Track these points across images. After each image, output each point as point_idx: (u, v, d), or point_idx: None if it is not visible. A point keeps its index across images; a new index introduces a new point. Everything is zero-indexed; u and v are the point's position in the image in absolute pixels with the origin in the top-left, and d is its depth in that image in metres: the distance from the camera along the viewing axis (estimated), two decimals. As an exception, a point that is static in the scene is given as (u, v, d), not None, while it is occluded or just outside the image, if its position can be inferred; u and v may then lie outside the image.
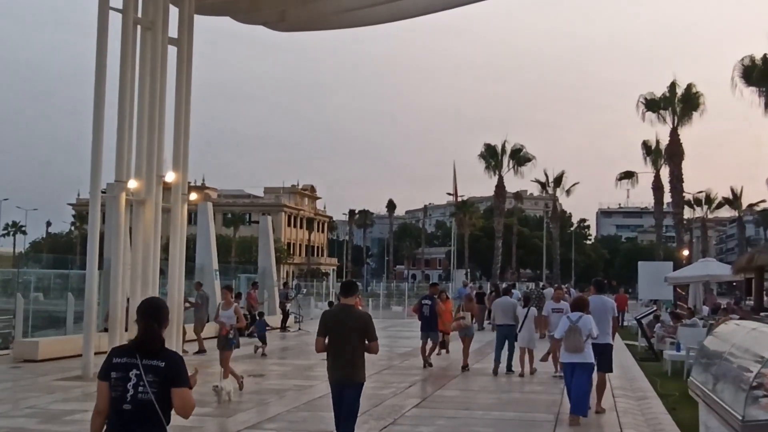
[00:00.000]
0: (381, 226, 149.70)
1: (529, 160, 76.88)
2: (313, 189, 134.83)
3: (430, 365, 20.00)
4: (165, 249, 20.81)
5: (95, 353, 17.41)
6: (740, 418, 7.79)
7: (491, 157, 76.50)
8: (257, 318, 29.93)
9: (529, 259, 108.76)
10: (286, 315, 33.43)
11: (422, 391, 15.98)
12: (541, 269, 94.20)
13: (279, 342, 28.15)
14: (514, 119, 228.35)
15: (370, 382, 17.13)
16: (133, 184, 18.83)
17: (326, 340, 9.09)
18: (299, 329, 32.09)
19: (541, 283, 44.61)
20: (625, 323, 34.09)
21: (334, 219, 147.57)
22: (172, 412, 5.08)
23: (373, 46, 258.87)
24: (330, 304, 27.51)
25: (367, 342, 8.98)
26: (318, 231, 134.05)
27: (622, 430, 12.11)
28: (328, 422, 12.52)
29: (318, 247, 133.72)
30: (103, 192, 19.36)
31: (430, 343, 20.55)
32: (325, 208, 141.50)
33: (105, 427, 5.11)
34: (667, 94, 59.79)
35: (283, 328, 32.71)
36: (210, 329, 23.23)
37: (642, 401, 15.18)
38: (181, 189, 20.34)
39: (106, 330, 19.05)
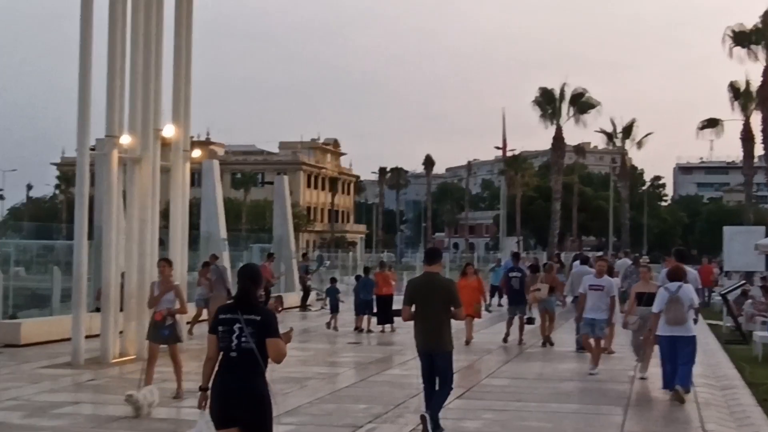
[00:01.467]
0: (417, 187, 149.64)
1: (593, 106, 76.14)
2: (336, 144, 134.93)
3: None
4: (165, 215, 20.96)
5: (86, 336, 17.69)
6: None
7: (548, 103, 75.86)
8: (270, 295, 30.27)
9: (593, 225, 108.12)
10: (306, 292, 33.71)
11: (467, 380, 16.04)
12: (607, 236, 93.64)
13: (299, 322, 28.41)
14: (575, 58, 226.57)
15: (404, 370, 17.39)
16: (126, 139, 18.94)
17: (413, 309, 11.06)
18: (322, 308, 32.18)
19: (619, 253, 44.41)
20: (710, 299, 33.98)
21: (362, 179, 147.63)
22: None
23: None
24: (357, 278, 27.68)
25: (452, 309, 11.01)
26: (343, 193, 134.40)
27: (704, 425, 12.12)
28: (355, 415, 12.70)
29: (343, 212, 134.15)
30: (91, 149, 19.50)
31: (517, 321, 22.12)
32: (351, 165, 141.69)
33: (215, 371, 7.36)
34: (760, 26, 58.81)
35: (304, 306, 33.00)
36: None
37: (727, 391, 15.20)
38: (182, 145, 20.43)
39: (98, 310, 19.32)
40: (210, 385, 7.42)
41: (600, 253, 40.11)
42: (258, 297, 7.49)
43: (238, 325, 7.25)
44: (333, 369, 17.39)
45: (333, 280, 28.26)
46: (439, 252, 12.05)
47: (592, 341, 16.70)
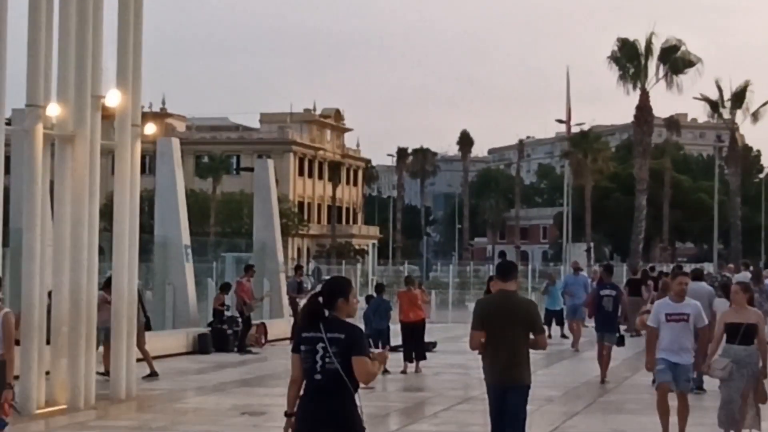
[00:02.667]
0: (449, 175, 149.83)
1: (691, 64, 76.06)
2: (339, 116, 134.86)
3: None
4: (106, 214, 20.93)
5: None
6: None
7: (629, 60, 75.86)
8: (250, 323, 30.37)
9: (691, 226, 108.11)
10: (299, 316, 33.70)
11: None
12: (711, 242, 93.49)
13: (289, 360, 28.44)
14: (665, 1, 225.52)
15: (435, 425, 17.40)
16: (54, 109, 18.96)
17: (483, 336, 11.62)
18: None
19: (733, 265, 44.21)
20: None
21: (374, 164, 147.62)
22: None
23: None
24: (368, 299, 27.64)
25: (532, 335, 11.53)
26: (348, 183, 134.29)
27: None
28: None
29: (348, 210, 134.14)
30: (7, 123, 19.55)
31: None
32: (358, 146, 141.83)
33: (301, 394, 8.39)
34: None
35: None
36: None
37: None
38: (130, 118, 20.44)
39: (16, 343, 19.36)
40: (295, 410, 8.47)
41: (695, 266, 39.16)
42: (336, 313, 8.44)
43: (321, 345, 8.20)
44: None
45: (368, 317, 27.47)
46: (515, 266, 13.28)
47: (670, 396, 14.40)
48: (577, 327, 31.42)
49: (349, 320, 8.44)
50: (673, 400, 14.45)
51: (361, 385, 8.23)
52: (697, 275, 22.43)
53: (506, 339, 11.47)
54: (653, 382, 16.06)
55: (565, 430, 17.37)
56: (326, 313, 8.41)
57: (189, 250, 31.45)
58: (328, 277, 51.72)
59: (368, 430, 16.51)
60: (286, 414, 8.48)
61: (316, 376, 8.22)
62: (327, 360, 8.15)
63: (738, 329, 13.67)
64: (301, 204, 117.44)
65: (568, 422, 18.07)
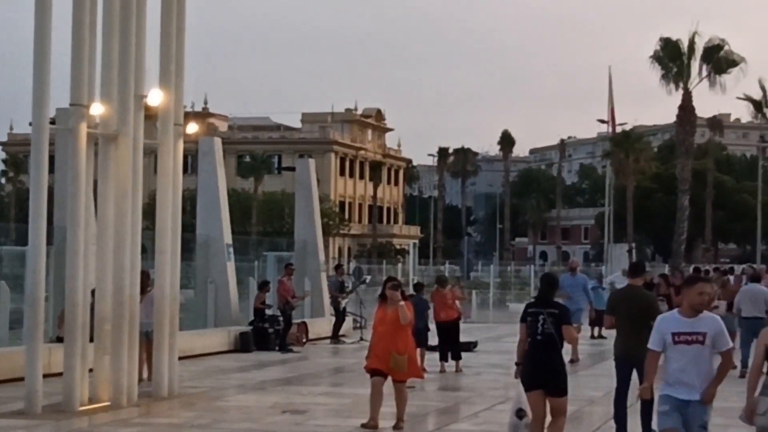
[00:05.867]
0: (490, 175, 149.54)
1: (734, 63, 75.63)
2: (380, 115, 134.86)
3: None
4: (149, 213, 20.98)
5: (44, 375, 17.72)
6: None
7: (671, 59, 75.49)
8: (291, 321, 30.28)
9: (734, 227, 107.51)
10: (340, 317, 33.68)
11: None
12: (754, 244, 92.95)
13: (330, 359, 28.50)
14: (709, 0, 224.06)
15: (475, 424, 17.37)
16: (98, 109, 19.01)
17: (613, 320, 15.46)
18: (361, 339, 32.02)
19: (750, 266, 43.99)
20: None
21: (415, 164, 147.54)
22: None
23: None
24: (407, 298, 27.54)
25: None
26: (389, 183, 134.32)
27: None
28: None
29: (389, 209, 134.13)
30: (51, 123, 19.64)
31: None
32: (399, 145, 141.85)
33: (526, 351, 12.87)
34: None
35: (336, 337, 33.01)
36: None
37: None
38: (173, 117, 20.48)
39: (59, 339, 19.46)
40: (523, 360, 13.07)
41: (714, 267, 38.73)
42: (551, 296, 13.55)
43: (542, 317, 12.75)
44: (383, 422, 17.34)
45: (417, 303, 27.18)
46: (643, 265, 18.21)
47: None
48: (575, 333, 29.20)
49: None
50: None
51: None
52: (755, 277, 22.06)
53: (631, 323, 14.78)
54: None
55: (606, 431, 17.30)
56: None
57: (231, 249, 31.48)
58: (368, 277, 51.90)
59: (408, 429, 16.64)
60: (517, 363, 13.25)
61: (537, 337, 12.71)
62: (546, 327, 12.67)
63: None
64: (342, 203, 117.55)
65: (609, 422, 18.00)
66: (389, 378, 15.68)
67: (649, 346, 10.43)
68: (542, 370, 12.70)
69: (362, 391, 20.63)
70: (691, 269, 42.84)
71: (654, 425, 12.22)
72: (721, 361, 10.17)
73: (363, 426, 15.71)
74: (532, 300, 14.00)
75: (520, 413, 14.98)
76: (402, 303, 15.80)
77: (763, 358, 10.10)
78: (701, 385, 10.03)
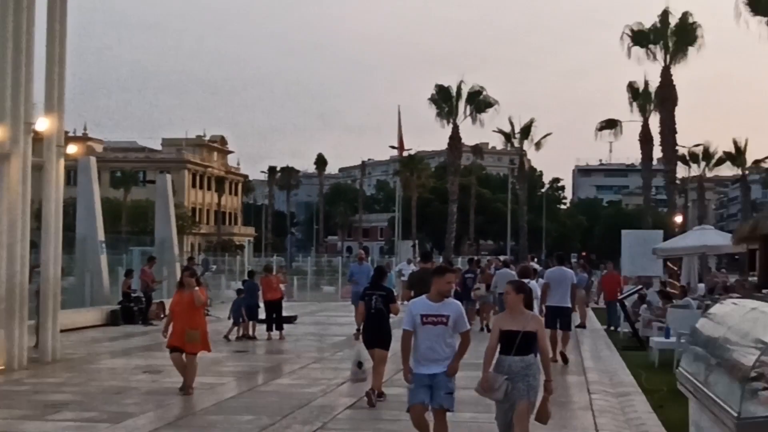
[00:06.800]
0: (309, 188, 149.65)
1: (490, 105, 77.34)
2: (223, 141, 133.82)
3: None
4: (37, 216, 20.57)
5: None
6: (735, 414, 8.04)
7: (444, 101, 76.79)
8: (151, 301, 29.90)
9: (491, 228, 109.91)
10: (191, 297, 33.39)
11: (357, 389, 16.06)
12: (505, 240, 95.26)
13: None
14: (472, 56, 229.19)
15: (294, 379, 17.34)
16: (-5, 134, 18.51)
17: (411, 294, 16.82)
18: (207, 313, 31.75)
19: (502, 258, 45.03)
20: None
21: (251, 178, 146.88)
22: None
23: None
24: (243, 282, 27.50)
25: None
26: (230, 193, 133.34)
27: (599, 431, 12.43)
28: (240, 427, 12.61)
29: (231, 214, 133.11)
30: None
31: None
32: (239, 164, 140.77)
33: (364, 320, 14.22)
34: (659, 25, 60.48)
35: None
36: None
37: (623, 398, 15.52)
38: (56, 140, 20.07)
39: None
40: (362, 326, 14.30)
41: (505, 257, 39.78)
42: (381, 281, 14.93)
43: (375, 297, 14.13)
44: (218, 379, 17.18)
45: (239, 292, 26.74)
46: (431, 253, 21.51)
47: (429, 416, 9.80)
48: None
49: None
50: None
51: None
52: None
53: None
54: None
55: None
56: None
57: (103, 245, 31.42)
58: (214, 266, 51.44)
59: (240, 385, 16.42)
60: (358, 329, 14.46)
61: (372, 311, 14.02)
62: (377, 303, 14.04)
63: (515, 337, 9.36)
64: (194, 209, 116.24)
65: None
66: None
67: (403, 326, 9.77)
68: (376, 333, 14.03)
69: (208, 356, 20.36)
70: (464, 260, 43.87)
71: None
72: (461, 340, 9.68)
73: (181, 391, 15.12)
74: (368, 285, 14.93)
75: (360, 364, 15.35)
76: (196, 288, 15.14)
77: (497, 340, 9.46)
78: (445, 359, 9.53)
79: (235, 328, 24.99)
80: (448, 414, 9.70)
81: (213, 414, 13.69)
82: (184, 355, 15.17)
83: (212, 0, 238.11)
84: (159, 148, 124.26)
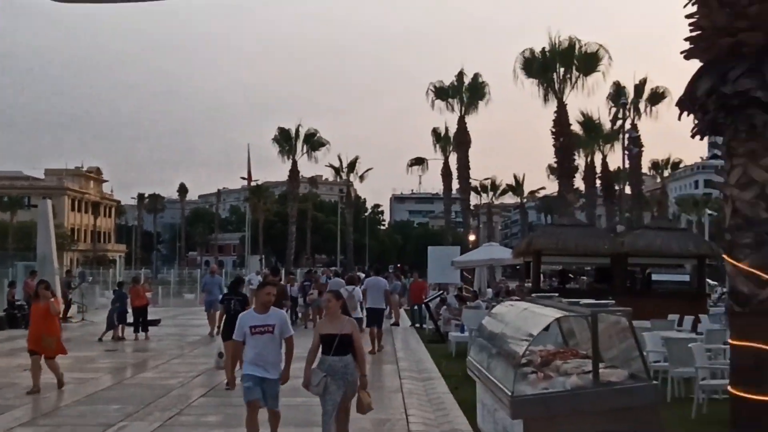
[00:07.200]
0: (172, 211, 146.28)
1: (323, 144, 77.61)
2: (99, 171, 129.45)
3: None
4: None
5: None
6: (509, 393, 8.31)
7: (285, 141, 76.57)
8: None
9: (324, 245, 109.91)
10: (68, 304, 32.11)
11: (210, 380, 15.78)
12: (336, 254, 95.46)
13: (62, 333, 26.92)
14: (309, 104, 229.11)
15: (156, 373, 16.87)
16: None
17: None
18: (83, 319, 31.00)
19: (333, 269, 45.22)
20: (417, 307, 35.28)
21: (123, 203, 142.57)
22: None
23: (162, 23, 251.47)
24: (114, 291, 26.68)
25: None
26: (105, 216, 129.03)
27: (407, 411, 12.55)
28: (108, 415, 12.18)
29: (105, 233, 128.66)
30: None
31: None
32: (112, 191, 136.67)
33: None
34: (455, 83, 62.17)
35: (65, 318, 31.33)
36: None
37: (427, 382, 15.73)
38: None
39: None
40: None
41: (351, 274, 39.79)
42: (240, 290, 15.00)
43: (233, 301, 14.50)
44: (90, 374, 16.54)
45: (113, 302, 25.34)
46: (279, 268, 18.15)
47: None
48: (214, 315, 24.13)
49: None
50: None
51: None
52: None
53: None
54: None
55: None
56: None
57: (-10, 260, 29.76)
58: (90, 278, 49.55)
59: (109, 379, 15.81)
60: (218, 327, 15.37)
61: (232, 312, 13.90)
62: (237, 306, 14.19)
63: (333, 340, 8.99)
64: (72, 229, 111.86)
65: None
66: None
67: (234, 337, 9.35)
68: (233, 329, 11.64)
69: (81, 354, 19.62)
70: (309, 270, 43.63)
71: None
72: (286, 346, 9.25)
73: (28, 393, 14.03)
74: (227, 291, 15.79)
75: (221, 354, 15.96)
76: (52, 299, 14.58)
77: (318, 343, 9.08)
78: (273, 364, 9.12)
79: (110, 332, 24.23)
80: (282, 399, 9.54)
81: (85, 405, 13.18)
82: (43, 358, 14.52)
83: (87, 52, 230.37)
84: (42, 177, 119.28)
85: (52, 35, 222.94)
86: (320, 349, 9.10)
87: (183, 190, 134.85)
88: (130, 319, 24.78)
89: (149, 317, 25.18)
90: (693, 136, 10.87)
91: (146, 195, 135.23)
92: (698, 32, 10.71)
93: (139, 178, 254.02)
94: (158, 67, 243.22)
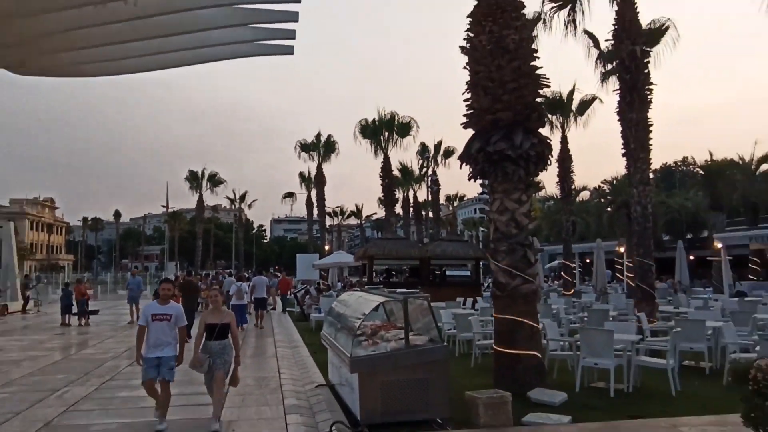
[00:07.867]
0: (110, 230, 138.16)
1: (221, 182, 75.31)
2: (52, 201, 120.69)
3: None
4: None
5: None
6: (349, 355, 8.30)
7: (194, 179, 73.90)
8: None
9: (223, 254, 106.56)
10: (26, 300, 29.60)
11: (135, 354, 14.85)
12: (231, 260, 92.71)
13: (21, 322, 24.68)
14: (211, 154, 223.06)
15: (95, 350, 15.74)
16: None
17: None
18: (38, 311, 28.62)
19: (228, 270, 43.86)
20: (288, 296, 34.75)
21: (71, 224, 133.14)
22: None
23: (108, 89, 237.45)
24: (62, 289, 24.76)
25: None
26: (57, 234, 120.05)
27: (280, 369, 12.33)
28: (55, 382, 11.25)
29: (57, 246, 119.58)
30: None
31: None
32: (63, 215, 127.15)
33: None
34: (315, 141, 62.04)
35: (24, 310, 28.90)
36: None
37: (294, 349, 15.50)
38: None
39: None
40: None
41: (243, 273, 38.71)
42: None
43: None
44: (44, 353, 15.21)
45: (62, 298, 23.24)
46: (192, 271, 16.83)
47: (158, 387, 8.35)
48: (136, 309, 22.50)
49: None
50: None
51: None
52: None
53: (187, 300, 15.50)
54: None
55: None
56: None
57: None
58: (45, 280, 45.83)
59: (58, 355, 14.60)
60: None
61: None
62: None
63: (214, 328, 8.33)
64: (31, 244, 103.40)
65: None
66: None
67: (138, 323, 8.49)
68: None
69: (36, 337, 18.10)
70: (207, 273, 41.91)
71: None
72: (179, 334, 8.39)
73: None
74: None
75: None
76: None
77: (203, 330, 8.32)
78: (168, 345, 8.26)
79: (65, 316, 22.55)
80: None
81: (36, 376, 12.09)
82: None
83: (46, 110, 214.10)
84: (8, 204, 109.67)
85: (10, 93, 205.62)
86: (204, 336, 8.36)
87: (117, 214, 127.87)
88: (75, 309, 23.03)
89: (90, 308, 23.49)
90: (469, 179, 11.30)
91: (90, 218, 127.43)
92: (471, 111, 11.19)
93: (84, 205, 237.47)
94: (101, 124, 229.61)
